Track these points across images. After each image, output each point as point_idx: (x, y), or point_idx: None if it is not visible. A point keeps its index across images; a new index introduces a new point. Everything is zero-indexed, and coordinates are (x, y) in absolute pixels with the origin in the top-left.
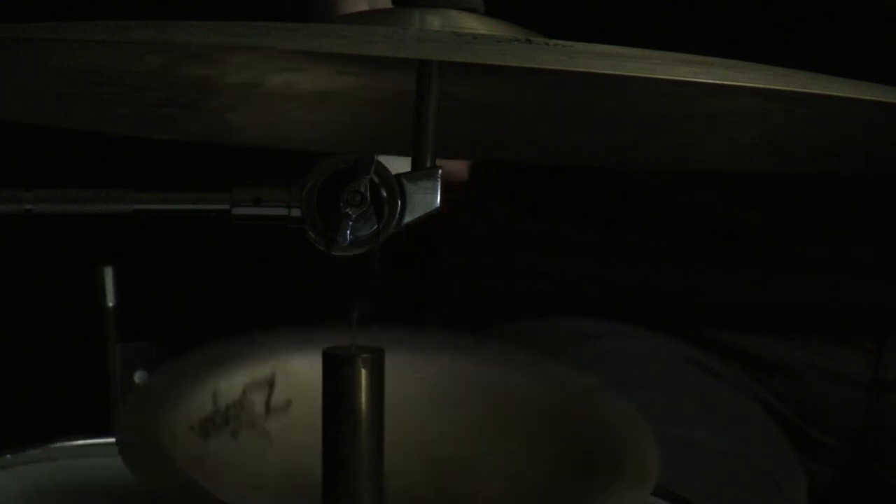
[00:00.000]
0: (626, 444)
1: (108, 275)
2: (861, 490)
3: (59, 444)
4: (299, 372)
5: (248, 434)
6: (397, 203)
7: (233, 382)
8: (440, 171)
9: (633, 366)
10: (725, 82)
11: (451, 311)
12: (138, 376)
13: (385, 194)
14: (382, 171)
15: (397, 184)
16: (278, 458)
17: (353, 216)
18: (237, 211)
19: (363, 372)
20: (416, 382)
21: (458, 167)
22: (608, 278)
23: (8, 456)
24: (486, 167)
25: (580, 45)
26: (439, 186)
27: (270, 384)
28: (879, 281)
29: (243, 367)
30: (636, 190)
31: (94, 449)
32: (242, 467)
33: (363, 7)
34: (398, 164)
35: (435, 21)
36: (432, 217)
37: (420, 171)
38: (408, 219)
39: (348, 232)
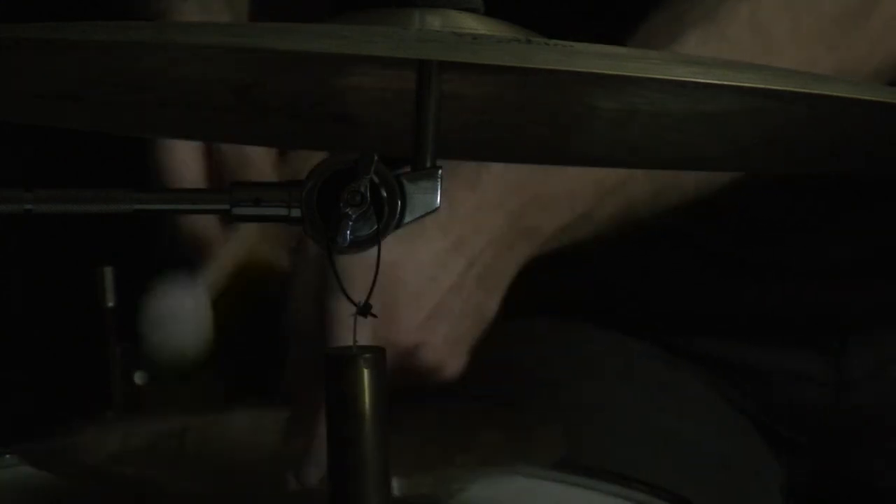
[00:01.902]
0: None
1: (108, 275)
2: (846, 490)
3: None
4: None
5: None
6: (397, 203)
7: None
8: (440, 171)
9: (599, 358)
10: (725, 82)
11: None
12: (138, 376)
13: (385, 194)
14: (382, 171)
15: (397, 184)
16: None
17: (353, 216)
18: (237, 211)
19: (365, 372)
20: None
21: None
22: (572, 284)
23: (8, 456)
24: None
25: (580, 45)
26: (439, 186)
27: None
28: (839, 282)
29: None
30: None
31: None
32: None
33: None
34: None
35: (435, 21)
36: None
37: (420, 171)
38: (408, 219)
39: (348, 232)
